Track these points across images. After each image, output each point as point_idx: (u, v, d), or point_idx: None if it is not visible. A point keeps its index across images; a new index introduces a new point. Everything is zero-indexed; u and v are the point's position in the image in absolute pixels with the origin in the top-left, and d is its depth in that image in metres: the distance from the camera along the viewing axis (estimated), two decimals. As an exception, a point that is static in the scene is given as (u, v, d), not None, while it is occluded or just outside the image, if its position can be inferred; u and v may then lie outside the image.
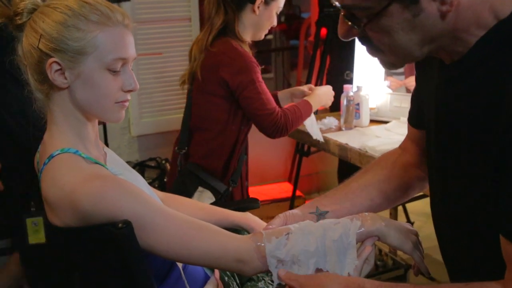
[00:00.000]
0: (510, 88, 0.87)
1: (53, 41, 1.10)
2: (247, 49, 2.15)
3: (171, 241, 1.08)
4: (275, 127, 2.09)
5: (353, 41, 2.62)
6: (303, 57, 4.32)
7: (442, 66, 1.01)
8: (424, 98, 1.14)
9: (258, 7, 2.12)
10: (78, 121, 1.17)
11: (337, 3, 0.95)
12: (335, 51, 3.22)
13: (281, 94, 2.38)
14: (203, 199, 2.13)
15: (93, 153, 1.19)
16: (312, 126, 2.32)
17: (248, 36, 2.18)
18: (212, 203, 2.07)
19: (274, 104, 2.12)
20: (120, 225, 1.04)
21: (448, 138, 1.02)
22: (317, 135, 2.32)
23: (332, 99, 2.36)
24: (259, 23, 2.17)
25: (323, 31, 3.20)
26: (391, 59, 0.99)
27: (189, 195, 2.13)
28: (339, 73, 2.97)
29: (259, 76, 2.09)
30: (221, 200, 2.15)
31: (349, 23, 0.95)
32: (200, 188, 2.15)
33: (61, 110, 1.16)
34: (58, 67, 1.12)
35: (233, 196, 2.24)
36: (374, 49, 0.98)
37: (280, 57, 5.27)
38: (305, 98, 2.26)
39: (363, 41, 0.98)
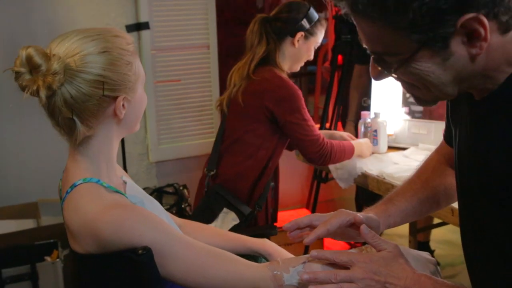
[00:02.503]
0: None
1: (116, 83, 1.13)
2: (287, 77, 2.23)
3: (190, 269, 1.09)
4: (320, 153, 2.18)
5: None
6: (320, 83, 4.34)
7: (471, 101, 1.00)
8: (455, 124, 1.12)
9: (298, 41, 2.23)
10: (111, 147, 1.20)
11: (367, 49, 0.95)
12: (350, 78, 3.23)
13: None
14: (227, 220, 2.17)
15: (113, 181, 1.21)
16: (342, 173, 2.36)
17: (286, 66, 2.28)
18: (235, 225, 2.12)
19: (318, 131, 2.21)
20: (140, 251, 1.05)
21: (479, 175, 1.00)
22: (342, 181, 2.36)
23: (371, 151, 2.43)
24: (298, 55, 2.28)
25: (340, 57, 3.22)
26: (426, 96, 0.97)
27: (214, 215, 2.18)
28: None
29: (304, 103, 2.18)
30: (245, 223, 2.18)
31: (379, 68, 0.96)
32: (225, 210, 2.19)
33: (102, 140, 1.18)
34: (123, 102, 1.15)
35: (257, 221, 2.27)
36: (408, 86, 0.97)
37: (298, 83, 5.30)
38: (352, 142, 2.35)
39: (397, 80, 0.98)
